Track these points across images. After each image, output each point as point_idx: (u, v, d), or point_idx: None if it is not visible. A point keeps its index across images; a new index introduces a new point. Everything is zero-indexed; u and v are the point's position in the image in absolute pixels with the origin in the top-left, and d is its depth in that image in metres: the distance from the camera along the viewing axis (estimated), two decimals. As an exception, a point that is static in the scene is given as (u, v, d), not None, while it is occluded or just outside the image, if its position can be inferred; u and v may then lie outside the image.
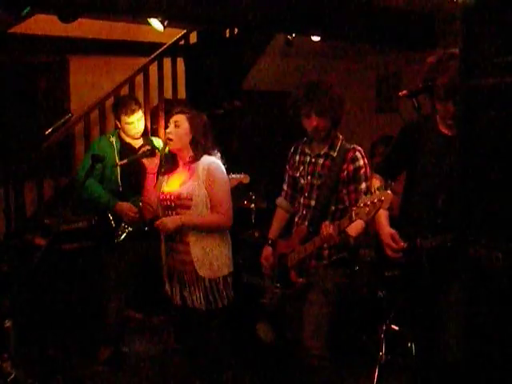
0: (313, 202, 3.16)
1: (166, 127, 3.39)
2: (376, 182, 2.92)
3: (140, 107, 4.16)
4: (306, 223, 3.16)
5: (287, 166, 3.38)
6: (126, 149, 4.12)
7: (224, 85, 5.41)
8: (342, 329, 3.66)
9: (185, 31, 5.75)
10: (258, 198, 5.04)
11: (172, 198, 3.29)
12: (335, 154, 3.11)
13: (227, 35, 5.99)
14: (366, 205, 2.61)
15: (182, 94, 5.89)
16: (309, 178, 3.19)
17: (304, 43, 5.85)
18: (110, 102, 5.42)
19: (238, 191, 4.55)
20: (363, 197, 2.70)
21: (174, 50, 5.75)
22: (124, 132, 4.14)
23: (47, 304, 4.28)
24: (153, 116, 5.66)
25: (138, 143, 4.20)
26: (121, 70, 5.77)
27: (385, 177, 2.99)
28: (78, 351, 4.28)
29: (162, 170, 3.45)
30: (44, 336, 4.17)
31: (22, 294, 4.22)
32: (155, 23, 4.53)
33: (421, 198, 2.73)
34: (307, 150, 3.23)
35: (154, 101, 5.75)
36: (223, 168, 3.31)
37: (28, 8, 3.81)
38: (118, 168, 3.98)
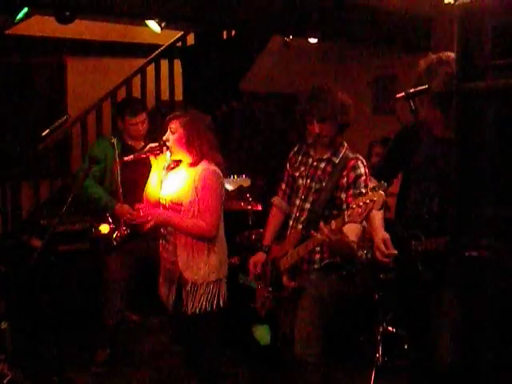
0: (308, 205, 3.13)
1: (161, 130, 3.36)
2: (370, 184, 2.91)
3: (144, 109, 4.15)
4: (300, 226, 3.13)
5: (287, 165, 3.34)
6: (127, 150, 4.11)
7: (221, 86, 5.42)
8: (339, 331, 3.66)
9: (182, 33, 5.76)
10: (255, 199, 5.04)
11: (167, 199, 3.28)
12: (337, 161, 3.09)
13: (224, 37, 6.00)
14: (358, 206, 2.58)
15: (179, 95, 5.89)
16: (308, 180, 3.17)
17: (301, 45, 5.87)
18: (107, 103, 5.43)
19: (237, 193, 4.56)
20: (356, 198, 2.66)
21: (171, 52, 5.75)
22: (127, 133, 4.13)
23: (44, 305, 4.27)
24: (150, 117, 5.64)
25: (140, 145, 4.20)
26: (118, 72, 5.78)
27: (380, 180, 3.00)
28: (74, 353, 4.28)
29: (165, 166, 3.41)
30: (41, 337, 4.16)
31: (19, 295, 4.22)
32: (152, 25, 4.54)
33: (416, 200, 2.74)
34: (311, 153, 3.21)
35: (152, 102, 5.75)
36: (219, 176, 3.24)
37: (25, 9, 3.81)
38: (119, 169, 3.97)
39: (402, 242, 2.72)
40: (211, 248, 3.25)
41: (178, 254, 3.22)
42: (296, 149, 3.33)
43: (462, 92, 2.10)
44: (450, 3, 2.19)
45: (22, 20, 4.00)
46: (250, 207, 4.95)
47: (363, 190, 2.86)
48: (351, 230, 2.84)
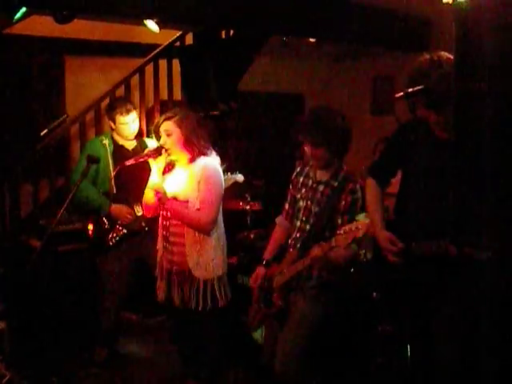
0: (308, 227, 3.15)
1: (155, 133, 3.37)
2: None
3: (135, 108, 4.16)
4: (298, 246, 3.15)
5: (291, 186, 3.37)
6: (119, 151, 4.11)
7: (220, 86, 5.41)
8: (337, 331, 3.66)
9: (180, 32, 5.74)
10: (254, 199, 5.04)
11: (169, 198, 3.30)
12: (336, 184, 3.10)
13: (223, 36, 5.99)
14: (345, 232, 2.73)
15: (177, 95, 5.89)
16: (308, 202, 3.18)
17: (300, 45, 5.86)
18: (105, 103, 5.42)
19: (233, 190, 4.55)
20: (344, 226, 2.79)
21: (169, 51, 5.74)
22: (118, 133, 4.13)
23: (42, 305, 4.27)
24: (148, 117, 5.65)
25: (131, 145, 4.20)
26: (117, 71, 5.77)
27: (378, 179, 3.00)
28: (73, 352, 4.28)
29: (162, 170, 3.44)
30: (39, 337, 4.16)
31: (17, 295, 4.22)
32: (151, 24, 4.53)
33: (417, 202, 2.74)
34: (311, 174, 3.23)
35: (150, 102, 5.75)
36: (218, 170, 3.29)
37: (24, 9, 3.80)
38: (112, 170, 3.97)
39: (403, 243, 2.72)
40: (217, 244, 3.32)
41: (186, 253, 3.25)
42: (298, 170, 3.36)
43: (461, 92, 2.10)
44: (448, 3, 2.19)
45: (20, 20, 3.99)
46: (248, 207, 4.95)
47: (356, 218, 2.94)
48: (341, 254, 2.92)
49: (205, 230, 3.25)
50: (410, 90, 2.60)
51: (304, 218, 3.18)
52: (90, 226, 4.07)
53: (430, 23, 5.81)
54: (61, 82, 6.03)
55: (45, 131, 3.89)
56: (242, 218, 4.97)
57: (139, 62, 5.61)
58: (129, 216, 3.97)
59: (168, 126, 3.27)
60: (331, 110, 3.13)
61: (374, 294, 4.13)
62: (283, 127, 6.83)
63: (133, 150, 4.17)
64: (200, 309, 3.28)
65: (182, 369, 3.77)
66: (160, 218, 3.43)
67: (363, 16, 5.35)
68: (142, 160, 3.48)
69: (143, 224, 4.04)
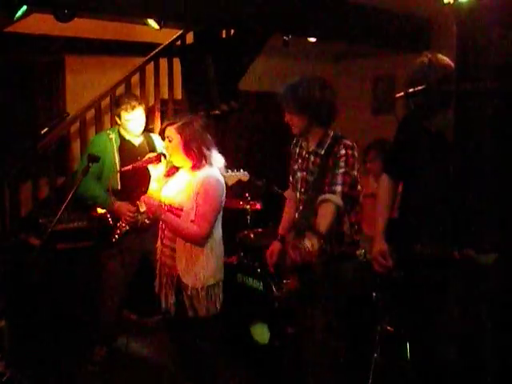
0: (306, 198, 3.18)
1: (160, 135, 3.38)
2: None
3: (140, 104, 4.16)
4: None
5: (291, 158, 3.39)
6: (125, 146, 4.11)
7: (220, 85, 5.40)
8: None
9: (181, 31, 5.74)
10: (254, 198, 5.03)
11: (166, 204, 3.28)
12: (322, 152, 3.12)
13: (224, 36, 5.99)
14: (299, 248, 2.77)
15: (178, 94, 5.89)
16: (304, 173, 3.21)
17: (300, 44, 5.86)
18: (106, 101, 5.42)
19: (237, 189, 4.55)
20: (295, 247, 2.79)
21: (170, 51, 5.74)
22: (124, 129, 4.13)
23: (42, 304, 4.27)
24: (149, 116, 5.65)
25: (138, 140, 4.20)
26: (117, 70, 5.76)
27: (393, 177, 3.01)
28: (72, 351, 4.28)
29: (166, 172, 3.43)
30: (38, 336, 4.16)
31: (17, 293, 4.22)
32: (152, 22, 4.53)
33: (417, 201, 2.74)
34: (304, 145, 3.26)
35: (151, 101, 5.75)
36: (219, 183, 3.23)
37: (24, 7, 3.80)
38: (117, 166, 3.97)
39: (407, 244, 2.72)
40: (209, 253, 3.25)
41: (177, 259, 3.22)
42: (294, 141, 3.38)
43: (461, 92, 2.10)
44: (449, 3, 2.19)
45: (20, 18, 3.99)
46: (248, 206, 4.94)
47: (342, 170, 2.99)
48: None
49: (197, 243, 3.20)
50: (411, 90, 2.60)
51: (302, 190, 3.20)
52: (99, 210, 4.07)
53: (430, 23, 5.80)
54: (61, 81, 6.03)
55: (45, 130, 3.89)
56: (242, 218, 4.97)
57: (140, 60, 5.61)
58: (131, 214, 3.96)
59: (169, 132, 3.26)
60: (310, 79, 3.14)
61: (374, 294, 4.13)
62: (284, 127, 6.82)
63: (139, 145, 4.17)
64: (190, 316, 3.24)
65: (181, 369, 3.76)
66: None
67: (364, 16, 5.35)
68: (140, 166, 3.48)
69: (147, 221, 4.03)
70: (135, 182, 3.88)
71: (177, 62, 5.72)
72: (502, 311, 2.17)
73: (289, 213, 3.46)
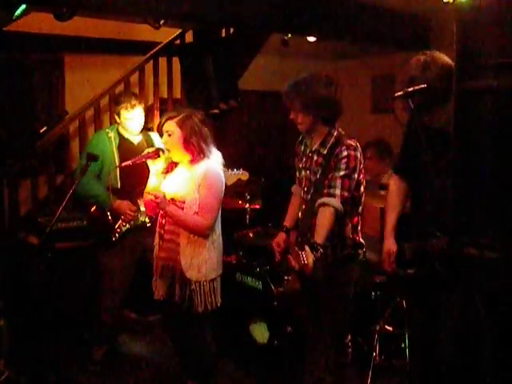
0: (309, 197, 3.16)
1: (158, 131, 3.38)
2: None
3: (140, 103, 4.15)
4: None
5: (295, 156, 3.38)
6: (124, 144, 4.11)
7: (220, 84, 5.40)
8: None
9: (180, 30, 5.74)
10: (253, 198, 5.03)
11: (167, 197, 3.30)
12: (325, 151, 3.10)
13: (223, 35, 5.98)
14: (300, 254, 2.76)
15: (177, 93, 5.89)
16: (307, 172, 3.19)
17: (300, 43, 5.86)
18: (105, 100, 5.42)
19: (236, 188, 4.54)
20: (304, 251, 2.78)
21: (169, 49, 5.74)
22: (123, 127, 4.13)
23: (41, 303, 4.26)
24: (148, 115, 5.65)
25: (137, 139, 4.19)
26: (116, 69, 5.76)
27: (401, 176, 3.01)
28: (71, 350, 4.27)
29: (163, 169, 3.44)
30: (38, 335, 4.15)
31: (16, 292, 4.21)
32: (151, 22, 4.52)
33: (424, 199, 2.74)
34: (308, 143, 3.24)
35: (150, 100, 5.74)
36: (220, 175, 3.27)
37: (23, 6, 3.80)
38: (117, 164, 3.96)
39: (420, 240, 2.72)
40: (211, 246, 3.28)
41: (181, 253, 3.24)
42: (300, 139, 3.35)
43: (461, 91, 2.09)
44: (448, 2, 2.19)
45: (19, 17, 3.99)
46: (247, 205, 4.94)
47: (342, 173, 2.95)
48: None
49: (202, 234, 3.24)
50: (410, 89, 2.60)
51: (306, 188, 3.19)
52: (93, 209, 4.07)
53: (430, 22, 5.80)
54: (60, 80, 6.03)
55: (44, 128, 3.87)
56: (241, 217, 4.97)
57: (139, 59, 5.61)
58: (131, 212, 3.96)
59: (169, 126, 3.27)
60: (315, 76, 3.12)
61: (373, 293, 4.14)
62: (283, 126, 6.82)
63: (138, 144, 4.16)
64: (199, 310, 3.26)
65: (181, 368, 3.77)
66: (159, 216, 3.43)
67: (363, 15, 5.35)
68: (139, 161, 3.48)
69: (147, 220, 4.03)
70: (135, 178, 3.88)
71: (176, 61, 5.72)
72: (502, 311, 2.17)
73: (294, 205, 3.42)
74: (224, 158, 3.41)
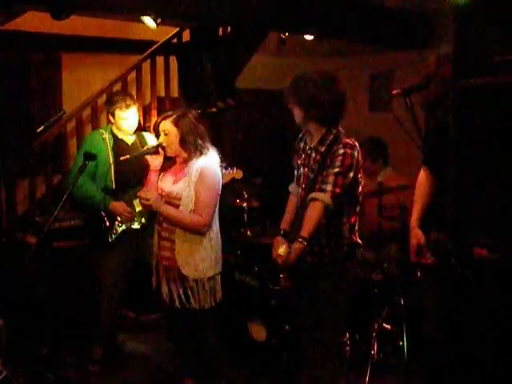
0: (305, 194, 3.15)
1: (155, 132, 3.39)
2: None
3: (135, 103, 4.15)
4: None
5: (295, 153, 3.36)
6: (119, 145, 4.10)
7: (217, 83, 5.40)
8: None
9: (178, 29, 5.73)
10: (251, 196, 5.03)
11: (163, 194, 3.32)
12: (323, 149, 3.08)
13: (220, 33, 5.98)
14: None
15: (174, 92, 5.88)
16: (305, 169, 3.17)
17: (297, 42, 5.85)
18: (102, 99, 5.41)
19: (231, 187, 4.53)
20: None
21: (166, 48, 5.73)
22: (117, 127, 4.12)
23: (39, 302, 4.26)
24: (145, 114, 5.64)
25: (131, 139, 4.19)
26: (113, 68, 5.75)
27: (431, 168, 3.02)
28: (70, 350, 4.27)
29: (162, 166, 3.45)
30: (36, 335, 4.15)
31: (13, 292, 4.21)
32: (148, 21, 4.51)
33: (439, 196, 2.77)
34: (307, 140, 3.23)
35: (147, 99, 5.74)
36: (216, 172, 3.28)
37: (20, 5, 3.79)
38: (112, 165, 3.96)
39: (440, 241, 2.72)
40: (208, 244, 3.29)
41: (176, 250, 3.24)
42: (301, 135, 3.33)
43: (458, 88, 2.09)
44: (446, 0, 2.18)
45: (16, 15, 3.98)
46: (245, 204, 4.94)
47: (336, 170, 2.94)
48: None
49: (200, 232, 3.25)
50: (407, 87, 2.60)
51: (303, 186, 3.16)
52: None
53: (428, 20, 5.79)
54: (57, 79, 6.02)
55: (41, 128, 3.86)
56: (239, 215, 4.96)
57: (136, 58, 5.60)
58: (127, 214, 3.95)
59: (165, 125, 3.30)
60: (313, 75, 3.09)
61: (370, 290, 4.14)
62: (280, 124, 6.81)
63: (132, 144, 4.16)
64: (197, 307, 3.26)
65: (180, 367, 3.76)
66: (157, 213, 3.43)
67: (361, 13, 5.34)
68: (139, 156, 3.49)
69: (143, 221, 4.03)
70: (130, 178, 3.87)
71: (173, 60, 5.72)
72: (502, 309, 2.17)
73: (290, 207, 3.40)
74: (221, 156, 3.41)
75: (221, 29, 5.98)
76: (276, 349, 4.00)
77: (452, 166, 2.25)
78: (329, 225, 3.05)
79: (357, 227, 3.18)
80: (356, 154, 3.02)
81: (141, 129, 4.49)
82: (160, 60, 5.73)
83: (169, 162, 3.43)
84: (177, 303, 3.30)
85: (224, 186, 3.45)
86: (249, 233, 4.83)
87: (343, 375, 3.29)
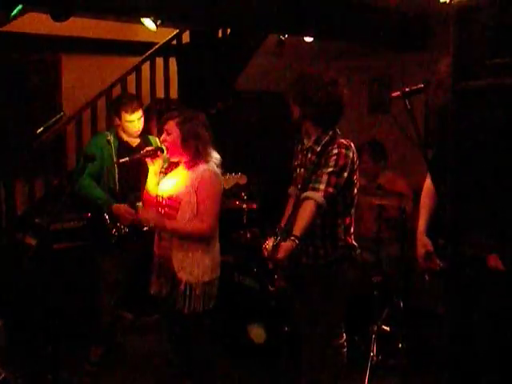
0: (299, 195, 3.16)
1: (159, 129, 3.39)
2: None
3: (141, 106, 4.15)
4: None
5: (294, 155, 3.37)
6: (123, 147, 4.10)
7: (217, 85, 5.41)
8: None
9: (177, 31, 5.74)
10: (250, 198, 5.03)
11: (163, 197, 3.31)
12: (318, 149, 3.08)
13: (220, 35, 5.98)
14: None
15: (174, 93, 5.88)
16: (302, 170, 3.18)
17: (296, 43, 5.86)
18: (102, 101, 5.41)
19: (233, 192, 4.54)
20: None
21: (166, 50, 5.74)
22: (123, 130, 4.12)
23: (37, 303, 4.25)
24: (145, 115, 5.64)
25: (135, 142, 4.19)
26: (113, 69, 5.75)
27: (430, 174, 3.02)
28: (69, 351, 4.26)
29: (163, 169, 3.45)
30: (35, 336, 4.15)
31: (13, 293, 4.20)
32: (148, 23, 4.52)
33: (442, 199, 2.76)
34: (305, 141, 3.23)
35: (147, 100, 5.74)
36: (218, 178, 3.26)
37: (20, 6, 3.79)
38: (116, 167, 3.96)
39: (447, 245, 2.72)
40: (205, 249, 3.26)
41: (173, 254, 3.23)
42: (300, 137, 3.33)
43: (458, 91, 2.10)
44: (445, 2, 2.19)
45: (16, 17, 3.98)
46: (245, 206, 4.94)
47: (329, 170, 2.95)
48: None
49: (204, 239, 3.24)
50: (407, 89, 2.60)
51: (299, 186, 3.15)
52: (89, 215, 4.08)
53: (427, 23, 5.80)
54: (57, 80, 6.03)
55: (41, 129, 3.87)
56: (239, 217, 4.96)
57: (136, 60, 5.61)
58: (129, 216, 3.94)
59: (169, 126, 3.28)
60: (312, 77, 3.15)
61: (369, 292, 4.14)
62: (280, 126, 6.82)
63: (136, 146, 4.16)
64: (185, 311, 3.24)
65: (178, 368, 3.76)
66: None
67: (360, 15, 5.35)
68: (137, 158, 3.49)
69: (145, 228, 4.02)
70: (133, 181, 3.88)
71: (173, 62, 5.72)
72: (501, 309, 2.17)
73: (289, 210, 3.39)
74: (221, 158, 3.40)
75: (220, 30, 5.99)
76: (275, 350, 4.00)
77: (452, 167, 2.24)
78: (324, 226, 3.06)
79: (352, 229, 3.17)
80: (351, 154, 3.02)
81: (146, 132, 4.50)
82: (160, 61, 5.74)
83: (170, 166, 3.43)
84: (169, 305, 3.30)
85: (226, 191, 3.44)
86: (248, 234, 4.84)
87: (342, 377, 3.28)
